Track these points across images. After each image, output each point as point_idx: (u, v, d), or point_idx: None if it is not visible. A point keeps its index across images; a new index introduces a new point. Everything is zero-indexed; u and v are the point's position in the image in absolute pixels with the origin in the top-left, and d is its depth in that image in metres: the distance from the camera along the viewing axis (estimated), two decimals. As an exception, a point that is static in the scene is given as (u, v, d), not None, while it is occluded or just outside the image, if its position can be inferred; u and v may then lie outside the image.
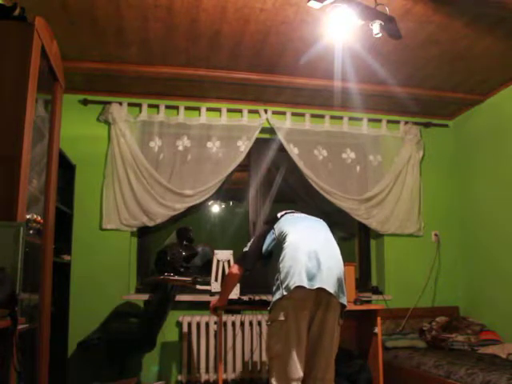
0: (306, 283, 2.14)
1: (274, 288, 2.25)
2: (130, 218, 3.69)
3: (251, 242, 2.61)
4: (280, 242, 2.37)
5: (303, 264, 2.19)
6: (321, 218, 2.63)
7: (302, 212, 2.70)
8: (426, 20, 2.85)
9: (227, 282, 2.70)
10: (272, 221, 2.59)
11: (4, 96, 1.87)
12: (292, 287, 2.14)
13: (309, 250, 2.24)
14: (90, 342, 3.23)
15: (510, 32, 2.97)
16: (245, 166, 4.08)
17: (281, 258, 2.28)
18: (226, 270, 3.52)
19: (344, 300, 2.25)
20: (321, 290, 2.16)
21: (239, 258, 2.64)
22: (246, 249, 2.59)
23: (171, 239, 3.61)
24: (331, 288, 2.18)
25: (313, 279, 2.16)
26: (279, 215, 2.60)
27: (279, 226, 2.48)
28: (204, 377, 3.57)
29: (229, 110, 3.97)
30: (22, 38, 1.92)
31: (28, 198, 1.95)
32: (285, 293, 2.16)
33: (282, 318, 2.18)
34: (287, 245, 2.30)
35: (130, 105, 3.84)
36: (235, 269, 2.57)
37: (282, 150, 4.04)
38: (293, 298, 2.16)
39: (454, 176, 4.37)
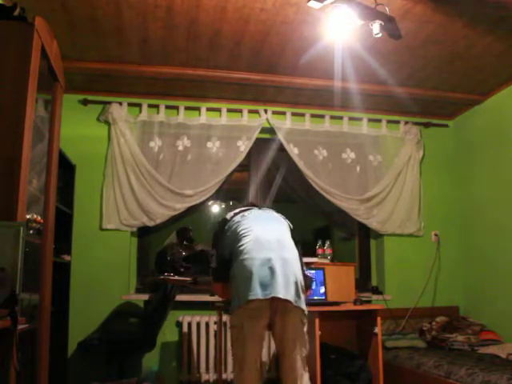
0: (260, 294, 2.11)
1: (232, 294, 2.26)
2: (130, 217, 3.69)
3: (214, 255, 2.56)
4: (233, 246, 2.33)
5: (256, 274, 2.15)
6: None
7: (255, 206, 2.64)
8: (426, 20, 2.85)
9: (218, 294, 2.68)
10: (223, 224, 2.53)
11: (4, 96, 1.87)
12: (246, 299, 2.13)
13: (262, 257, 2.20)
14: (90, 342, 3.23)
15: (510, 32, 2.97)
16: (245, 166, 4.08)
17: (234, 265, 2.26)
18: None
19: (301, 303, 2.21)
20: (276, 298, 2.14)
21: (213, 276, 2.61)
22: (213, 264, 2.55)
23: (171, 239, 3.60)
24: (286, 295, 2.14)
25: (267, 288, 2.13)
26: (229, 217, 2.54)
27: (231, 230, 2.43)
28: (204, 377, 3.58)
29: (229, 110, 3.97)
30: (22, 38, 1.92)
31: (28, 198, 1.95)
32: (240, 303, 2.16)
33: (238, 326, 2.20)
34: (240, 251, 2.26)
35: (130, 105, 3.84)
36: (216, 286, 2.57)
37: (282, 149, 4.04)
38: (248, 308, 2.15)
39: (454, 176, 4.37)
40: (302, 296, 2.24)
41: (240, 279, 2.20)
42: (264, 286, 2.14)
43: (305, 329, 2.28)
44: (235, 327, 2.23)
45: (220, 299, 2.97)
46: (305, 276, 2.38)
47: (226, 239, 2.45)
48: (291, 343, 2.23)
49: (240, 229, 2.38)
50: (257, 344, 2.22)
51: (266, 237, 2.31)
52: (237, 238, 2.34)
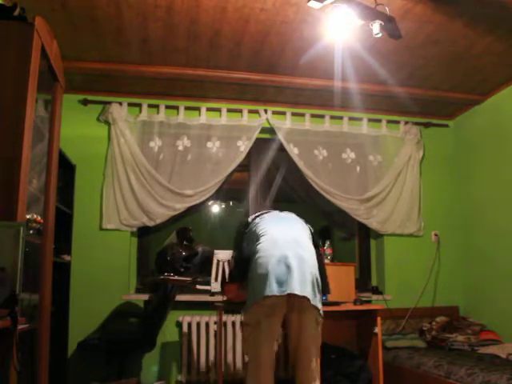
0: (276, 291, 2.13)
1: (247, 293, 2.27)
2: (130, 217, 3.69)
3: (234, 256, 2.62)
4: (252, 246, 2.37)
5: (272, 271, 2.17)
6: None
7: (276, 209, 2.70)
8: (426, 20, 2.85)
9: (231, 296, 2.73)
10: (244, 227, 2.59)
11: (4, 96, 1.87)
12: (262, 296, 2.15)
13: (278, 255, 2.22)
14: (90, 342, 3.23)
15: (510, 32, 2.97)
16: (245, 166, 4.08)
17: (252, 264, 2.29)
18: (226, 270, 3.52)
19: (316, 301, 2.22)
20: (292, 295, 2.15)
21: (229, 277, 2.70)
22: (232, 266, 2.62)
23: (171, 239, 3.60)
24: (303, 292, 2.16)
25: (283, 285, 2.15)
26: (250, 219, 2.60)
27: (251, 232, 2.48)
28: (204, 377, 3.57)
29: (229, 110, 3.97)
30: (22, 37, 1.92)
31: (28, 198, 1.95)
32: (255, 300, 2.17)
33: (253, 324, 2.21)
34: (257, 249, 2.30)
35: (130, 105, 3.84)
36: (230, 288, 2.64)
37: (282, 149, 4.04)
38: (264, 305, 2.17)
39: (454, 176, 4.37)
40: (318, 295, 2.25)
41: (256, 277, 2.22)
42: (280, 282, 2.15)
43: (319, 329, 2.29)
44: (249, 325, 2.24)
45: (220, 299, 2.97)
46: (326, 279, 2.40)
47: (245, 240, 2.50)
48: (308, 342, 2.24)
49: (258, 229, 2.43)
50: (271, 342, 2.23)
51: (283, 236, 2.35)
52: (255, 237, 2.39)
